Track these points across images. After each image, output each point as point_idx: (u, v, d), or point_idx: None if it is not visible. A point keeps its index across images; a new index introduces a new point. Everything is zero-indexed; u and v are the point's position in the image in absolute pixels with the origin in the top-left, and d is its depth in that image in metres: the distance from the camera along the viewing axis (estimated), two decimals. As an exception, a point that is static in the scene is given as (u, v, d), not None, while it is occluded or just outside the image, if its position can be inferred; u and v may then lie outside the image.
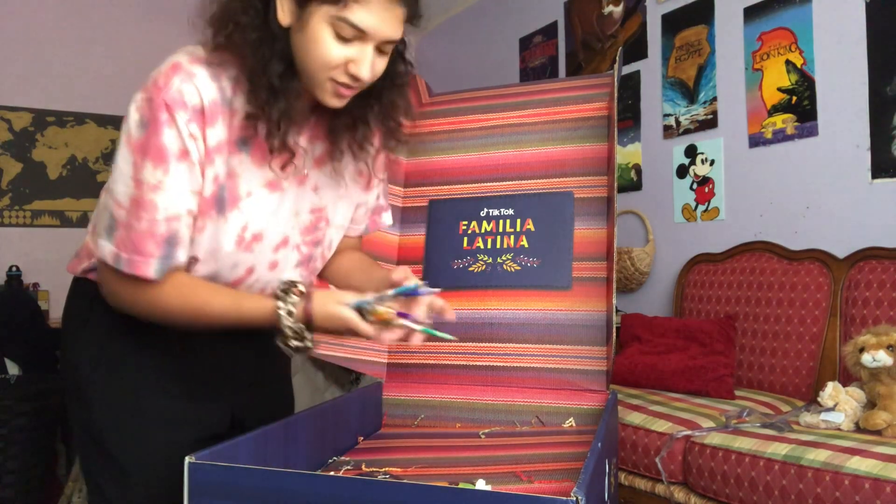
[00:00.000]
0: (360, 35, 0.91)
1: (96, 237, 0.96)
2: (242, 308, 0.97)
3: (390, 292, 0.97)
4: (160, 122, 0.90)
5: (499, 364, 1.58)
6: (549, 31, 3.71)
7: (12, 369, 2.95)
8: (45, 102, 3.73)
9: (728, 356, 2.31)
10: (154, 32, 3.67)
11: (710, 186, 2.80)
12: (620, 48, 1.93)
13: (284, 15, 0.92)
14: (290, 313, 0.94)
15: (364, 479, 0.86)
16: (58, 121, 3.76)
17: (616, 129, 1.56)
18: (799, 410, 1.94)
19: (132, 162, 0.91)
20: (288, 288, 0.97)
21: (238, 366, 1.16)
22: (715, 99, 2.79)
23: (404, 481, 0.84)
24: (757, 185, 2.65)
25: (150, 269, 0.93)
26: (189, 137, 0.92)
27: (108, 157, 3.82)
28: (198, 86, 0.92)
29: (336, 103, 0.97)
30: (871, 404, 1.80)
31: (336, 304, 0.95)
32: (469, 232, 1.68)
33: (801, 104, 2.49)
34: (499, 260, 1.63)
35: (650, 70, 3.09)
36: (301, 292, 0.96)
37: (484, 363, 1.59)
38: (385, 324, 0.96)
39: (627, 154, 3.19)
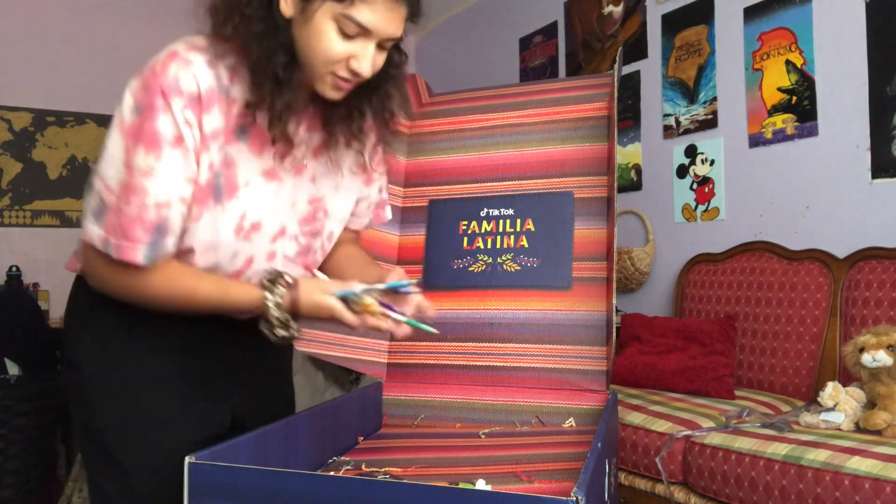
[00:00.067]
0: (364, 32, 0.93)
1: (83, 220, 0.96)
2: (229, 295, 0.99)
3: (380, 286, 0.99)
4: (155, 108, 0.90)
5: (499, 364, 1.58)
6: (549, 31, 3.71)
7: (12, 369, 2.95)
8: (45, 102, 3.73)
9: (728, 356, 2.31)
10: (154, 32, 3.65)
11: (710, 186, 2.80)
12: (620, 48, 1.93)
13: (287, 7, 0.93)
14: (277, 305, 0.96)
15: (364, 479, 0.86)
16: (58, 121, 3.76)
17: (616, 129, 1.56)
18: (799, 410, 1.94)
19: (124, 147, 0.92)
20: (275, 278, 0.98)
21: (240, 365, 1.16)
22: (715, 99, 2.79)
23: (404, 481, 0.84)
24: (757, 185, 2.65)
25: (139, 254, 0.93)
26: (184, 124, 0.92)
27: (108, 157, 3.81)
28: (195, 73, 0.93)
29: (334, 96, 0.99)
30: (871, 404, 1.80)
31: (322, 294, 0.97)
32: (469, 232, 1.68)
33: (801, 104, 2.49)
34: (499, 260, 1.64)
35: (650, 70, 3.09)
36: (288, 283, 0.98)
37: (484, 363, 1.59)
38: (370, 315, 0.98)
39: (627, 154, 3.19)
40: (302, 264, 1.09)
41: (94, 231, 0.94)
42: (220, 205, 0.99)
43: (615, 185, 1.53)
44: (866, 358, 1.78)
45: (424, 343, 1.63)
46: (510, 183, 1.70)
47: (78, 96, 3.74)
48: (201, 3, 0.96)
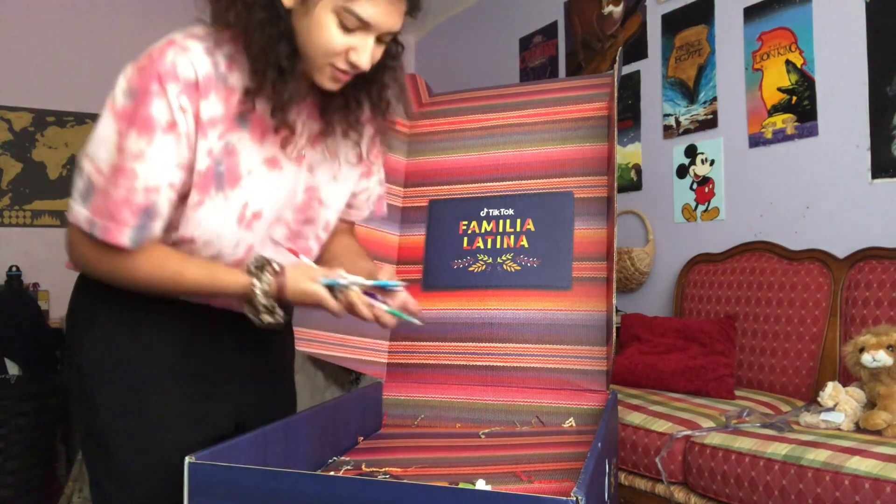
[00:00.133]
0: (364, 26, 0.94)
1: (70, 201, 0.96)
2: (217, 280, 0.99)
3: (367, 282, 1.00)
4: (150, 93, 0.91)
5: (499, 364, 1.58)
6: (549, 31, 3.71)
7: (12, 369, 2.95)
8: (45, 102, 3.73)
9: (728, 356, 2.31)
10: (154, 32, 3.65)
11: (710, 186, 2.80)
12: (620, 48, 1.93)
13: None
14: (264, 292, 0.97)
15: (364, 479, 0.86)
16: (58, 121, 3.76)
17: (616, 129, 1.56)
18: (799, 410, 1.94)
19: (116, 130, 0.92)
20: (263, 265, 0.99)
21: (244, 366, 1.16)
22: (715, 99, 2.79)
23: (404, 481, 0.84)
24: (757, 185, 2.65)
25: (124, 237, 0.93)
26: (179, 110, 0.92)
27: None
28: (192, 60, 0.93)
29: (332, 87, 1.00)
30: (871, 404, 1.80)
31: (308, 281, 0.98)
32: (469, 232, 1.68)
33: (801, 104, 2.49)
34: (499, 260, 1.64)
35: (650, 70, 3.09)
36: (275, 270, 0.99)
37: (484, 363, 1.59)
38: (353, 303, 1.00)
39: (627, 154, 3.19)
40: (287, 249, 1.09)
41: (80, 212, 0.94)
42: (221, 193, 0.99)
43: (615, 185, 1.53)
44: (866, 358, 1.78)
45: (424, 343, 1.63)
46: (510, 183, 1.70)
47: (78, 96, 3.74)
48: None
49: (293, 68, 0.96)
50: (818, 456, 1.57)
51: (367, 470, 1.21)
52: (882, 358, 1.76)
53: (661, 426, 1.96)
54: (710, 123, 2.81)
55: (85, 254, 0.98)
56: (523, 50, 3.90)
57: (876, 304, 2.13)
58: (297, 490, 0.83)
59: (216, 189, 0.99)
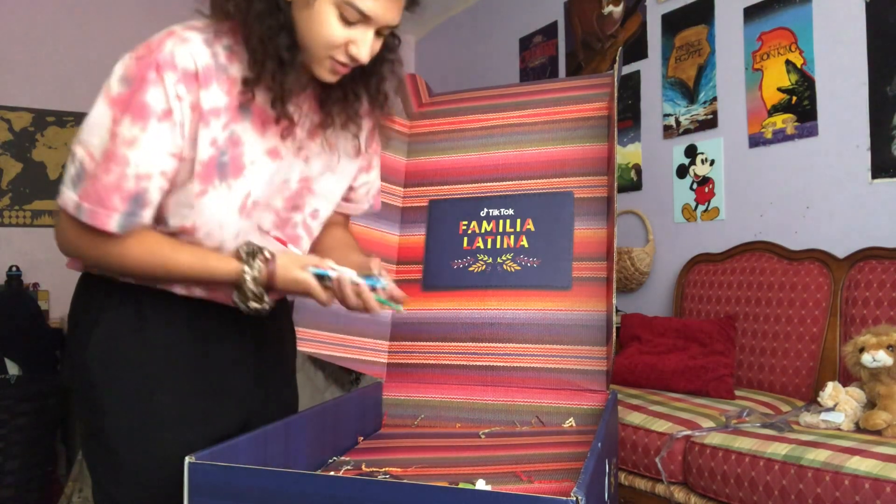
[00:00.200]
0: (364, 19, 0.96)
1: (61, 186, 0.96)
2: (208, 267, 1.00)
3: (355, 277, 1.02)
4: (147, 81, 0.91)
5: (499, 364, 1.58)
6: (549, 31, 3.71)
7: (12, 369, 2.95)
8: (45, 102, 3.73)
9: (728, 356, 2.31)
10: (155, 32, 3.67)
11: (710, 186, 2.80)
12: (620, 48, 1.93)
13: None
14: (254, 279, 0.99)
15: (364, 479, 0.86)
16: (58, 121, 3.77)
17: (616, 129, 1.56)
18: (799, 410, 1.94)
19: (110, 116, 0.92)
20: (254, 252, 1.00)
21: (248, 365, 1.15)
22: (715, 99, 2.79)
23: (404, 481, 0.84)
24: (757, 185, 2.65)
25: (112, 222, 0.93)
26: (175, 98, 0.93)
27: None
28: (191, 50, 0.94)
29: (331, 79, 1.02)
30: (871, 404, 1.80)
31: (298, 270, 1.01)
32: (469, 232, 1.68)
33: (801, 104, 2.49)
34: (499, 260, 1.64)
35: (650, 70, 3.09)
36: (266, 258, 1.01)
37: (484, 363, 1.59)
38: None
39: (627, 154, 3.19)
40: (274, 237, 1.10)
41: (69, 196, 0.94)
42: (225, 183, 1.00)
43: (615, 185, 1.53)
44: (866, 358, 1.78)
45: (424, 343, 1.63)
46: (510, 183, 1.70)
47: (78, 96, 3.74)
48: None
49: (293, 60, 0.97)
50: (818, 456, 1.57)
51: (367, 470, 1.21)
52: (882, 358, 1.76)
53: (661, 426, 1.96)
54: (710, 123, 2.81)
55: (74, 240, 0.98)
56: (523, 50, 3.90)
57: (876, 304, 2.13)
58: (297, 490, 0.83)
59: (220, 179, 0.99)
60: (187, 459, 0.89)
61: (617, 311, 2.77)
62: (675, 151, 2.95)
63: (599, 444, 1.00)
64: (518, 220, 1.65)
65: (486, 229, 1.67)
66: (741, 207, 2.71)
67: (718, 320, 2.45)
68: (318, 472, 0.96)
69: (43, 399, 2.84)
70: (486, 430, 1.50)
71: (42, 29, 3.73)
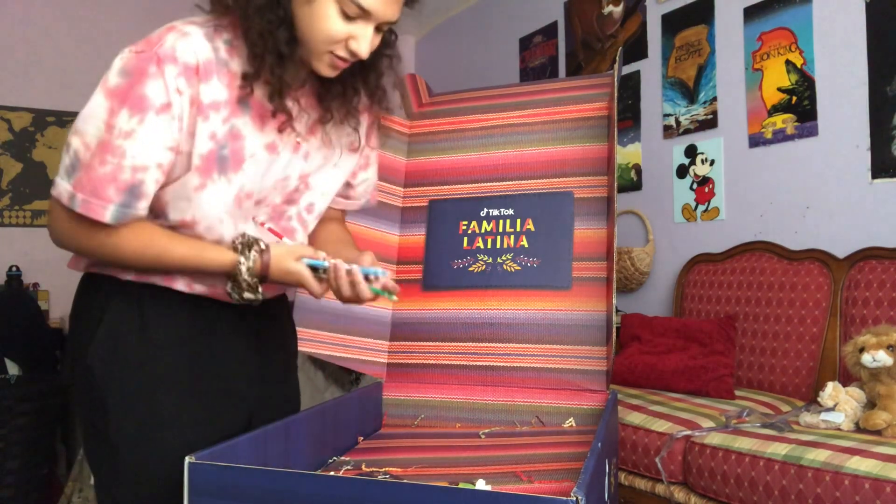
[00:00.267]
0: (364, 15, 0.96)
1: (56, 177, 0.96)
2: (203, 258, 1.01)
3: (355, 267, 1.04)
4: (147, 74, 0.92)
5: (499, 364, 1.58)
6: (549, 31, 3.71)
7: (12, 369, 2.95)
8: (45, 102, 3.73)
9: (728, 356, 2.31)
10: (154, 32, 3.67)
11: (710, 186, 2.80)
12: (620, 48, 1.93)
13: None
14: (249, 269, 1.01)
15: (364, 479, 0.86)
16: (58, 121, 3.77)
17: (616, 129, 1.56)
18: (799, 410, 1.94)
19: (108, 107, 0.92)
20: (250, 243, 1.02)
21: (251, 365, 1.16)
22: (715, 99, 2.79)
23: (404, 481, 0.84)
24: (757, 185, 2.65)
25: (106, 213, 0.93)
26: (175, 92, 0.93)
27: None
28: (192, 44, 0.95)
29: (330, 74, 1.03)
30: (871, 404, 1.80)
31: (292, 261, 1.02)
32: (469, 232, 1.68)
33: (801, 104, 2.49)
34: (499, 260, 1.64)
35: (650, 70, 3.09)
36: (261, 248, 1.02)
37: (484, 363, 1.59)
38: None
39: (627, 154, 3.19)
40: (269, 230, 1.10)
41: (63, 186, 0.94)
42: (224, 176, 1.00)
43: (615, 185, 1.53)
44: (866, 358, 1.78)
45: (424, 343, 1.63)
46: (510, 183, 1.70)
47: (78, 96, 3.72)
48: None
49: (292, 54, 0.98)
50: (818, 456, 1.57)
51: (367, 470, 1.21)
52: (882, 358, 1.76)
53: (661, 426, 1.96)
54: (710, 123, 2.81)
55: (67, 230, 0.98)
56: (523, 50, 3.90)
57: (876, 304, 2.13)
58: (297, 490, 0.83)
59: (219, 172, 1.00)
60: (187, 459, 0.89)
61: (617, 311, 2.77)
62: (675, 151, 2.95)
63: (599, 444, 1.00)
64: (518, 220, 1.65)
65: (486, 229, 1.67)
66: (741, 207, 2.71)
67: (718, 320, 2.45)
68: (318, 472, 0.96)
69: (43, 399, 2.84)
70: (486, 430, 1.50)
71: (42, 29, 3.73)
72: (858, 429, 1.77)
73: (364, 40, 0.98)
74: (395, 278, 1.33)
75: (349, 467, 1.24)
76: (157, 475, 1.02)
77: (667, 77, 3.01)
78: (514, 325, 1.58)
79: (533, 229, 1.63)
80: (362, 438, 1.46)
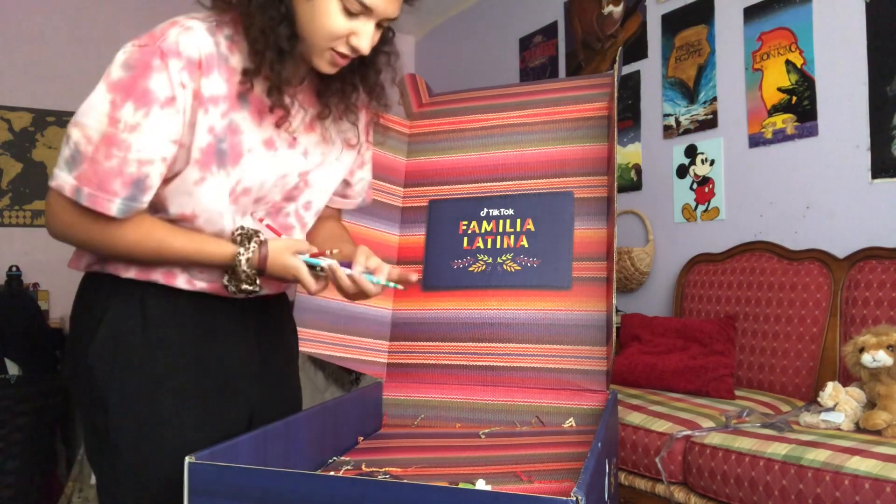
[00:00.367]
0: (366, 11, 0.98)
1: (55, 169, 0.96)
2: (203, 250, 1.01)
3: (356, 268, 1.05)
4: (151, 67, 0.92)
5: (499, 364, 1.58)
6: (549, 31, 3.71)
7: (12, 369, 2.95)
8: (45, 102, 3.73)
9: (728, 356, 2.31)
10: (154, 32, 3.68)
11: (710, 186, 2.80)
12: (620, 48, 1.93)
13: None
14: (248, 260, 1.01)
15: (364, 479, 0.86)
16: (58, 121, 3.77)
17: (616, 129, 1.56)
18: (799, 410, 1.95)
19: (110, 100, 0.92)
20: (250, 235, 1.03)
21: (252, 364, 1.16)
22: (715, 99, 2.79)
23: (404, 481, 0.84)
24: (757, 185, 2.65)
25: (112, 207, 0.94)
26: (179, 86, 0.94)
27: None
28: (195, 38, 0.96)
29: (330, 70, 1.03)
30: (871, 404, 1.80)
31: (290, 256, 1.03)
32: (469, 232, 1.68)
33: (801, 104, 2.49)
34: (499, 260, 1.64)
35: (650, 70, 3.09)
36: (260, 241, 1.03)
37: (484, 363, 1.59)
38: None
39: (627, 154, 3.19)
40: (268, 227, 1.11)
41: (65, 179, 0.94)
42: (223, 170, 1.01)
43: (615, 185, 1.53)
44: (866, 358, 1.78)
45: (424, 343, 1.63)
46: (510, 183, 1.70)
47: (78, 96, 3.71)
48: None
49: (293, 51, 0.98)
50: (818, 456, 1.57)
51: (367, 470, 1.21)
52: (882, 358, 1.76)
53: (661, 426, 1.96)
54: (710, 123, 2.81)
55: (68, 222, 0.98)
56: (523, 50, 3.90)
57: (876, 304, 2.13)
58: (297, 490, 0.83)
59: (218, 166, 1.00)
60: (187, 459, 0.89)
61: (617, 311, 2.77)
62: (675, 151, 2.95)
63: (599, 444, 1.00)
64: (518, 220, 1.65)
65: (486, 229, 1.67)
66: (741, 207, 2.71)
67: (718, 320, 2.45)
68: (318, 472, 0.96)
69: (43, 399, 2.84)
70: (486, 430, 1.50)
71: (42, 29, 3.72)
72: (858, 429, 1.77)
73: (365, 37, 0.99)
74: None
75: (349, 467, 1.24)
76: (157, 475, 1.02)
77: (667, 77, 3.01)
78: (514, 325, 1.58)
79: (533, 229, 1.63)
80: (362, 438, 1.46)
